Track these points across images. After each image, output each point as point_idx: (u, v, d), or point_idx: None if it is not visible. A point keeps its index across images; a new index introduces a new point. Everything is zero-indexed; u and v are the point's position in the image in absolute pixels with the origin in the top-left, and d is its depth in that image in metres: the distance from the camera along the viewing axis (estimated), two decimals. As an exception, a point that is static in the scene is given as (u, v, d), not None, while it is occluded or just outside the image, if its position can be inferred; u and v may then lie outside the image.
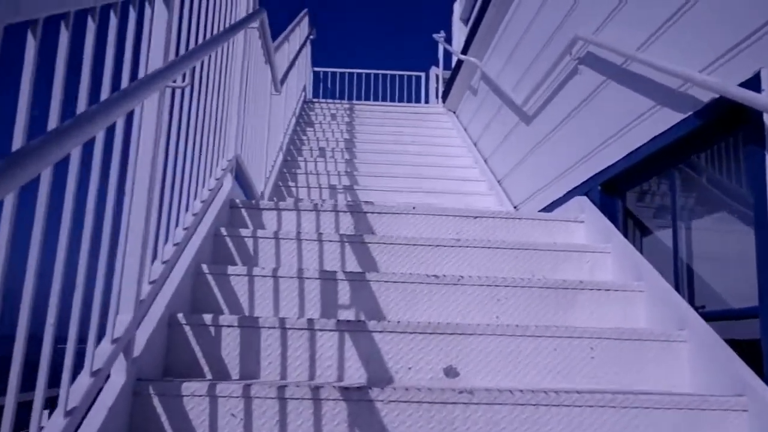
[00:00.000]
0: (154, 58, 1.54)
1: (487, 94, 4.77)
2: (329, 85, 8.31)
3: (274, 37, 4.40)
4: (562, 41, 3.09)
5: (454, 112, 6.31)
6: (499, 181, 4.25)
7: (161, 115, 1.54)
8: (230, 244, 2.27)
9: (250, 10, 2.77)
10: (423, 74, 8.59)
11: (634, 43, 2.35)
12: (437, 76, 8.03)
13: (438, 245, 2.32)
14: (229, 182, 2.57)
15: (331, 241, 2.29)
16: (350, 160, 4.68)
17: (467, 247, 2.32)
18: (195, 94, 2.02)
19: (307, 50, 7.06)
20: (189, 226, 1.96)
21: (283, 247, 2.29)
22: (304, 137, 5.28)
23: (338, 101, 6.97)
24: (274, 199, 3.74)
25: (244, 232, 2.29)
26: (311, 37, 7.03)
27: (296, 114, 5.68)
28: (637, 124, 2.33)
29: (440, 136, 5.64)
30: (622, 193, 2.55)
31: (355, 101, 7.23)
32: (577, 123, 2.90)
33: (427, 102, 8.22)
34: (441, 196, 4.10)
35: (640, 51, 2.30)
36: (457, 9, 7.09)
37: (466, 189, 4.30)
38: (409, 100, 8.28)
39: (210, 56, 2.21)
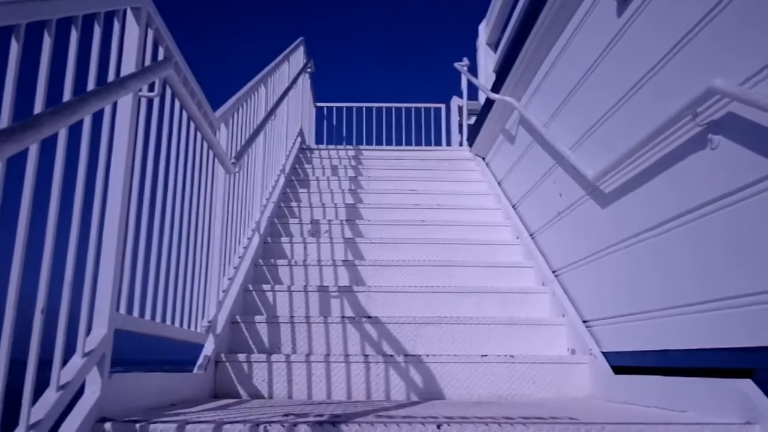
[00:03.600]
0: None
1: (530, 146, 3.58)
2: (335, 122, 7.18)
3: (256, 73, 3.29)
4: (672, 92, 1.91)
5: (483, 158, 5.13)
6: (555, 272, 3.05)
7: None
8: None
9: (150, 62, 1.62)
10: (443, 106, 7.41)
11: None
12: (460, 108, 6.85)
13: None
14: (96, 387, 1.41)
15: None
16: (351, 240, 3.51)
17: None
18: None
19: (304, 85, 5.94)
20: None
21: None
22: (294, 204, 4.13)
23: (341, 147, 5.81)
24: (240, 319, 2.58)
25: None
26: (309, 70, 5.92)
27: (286, 171, 4.55)
28: None
29: (469, 194, 4.46)
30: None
31: (363, 146, 6.06)
32: (714, 230, 1.70)
33: (449, 142, 7.03)
34: (478, 297, 2.94)
35: None
36: (483, 32, 5.93)
37: (510, 284, 3.13)
38: (427, 140, 7.09)
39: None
